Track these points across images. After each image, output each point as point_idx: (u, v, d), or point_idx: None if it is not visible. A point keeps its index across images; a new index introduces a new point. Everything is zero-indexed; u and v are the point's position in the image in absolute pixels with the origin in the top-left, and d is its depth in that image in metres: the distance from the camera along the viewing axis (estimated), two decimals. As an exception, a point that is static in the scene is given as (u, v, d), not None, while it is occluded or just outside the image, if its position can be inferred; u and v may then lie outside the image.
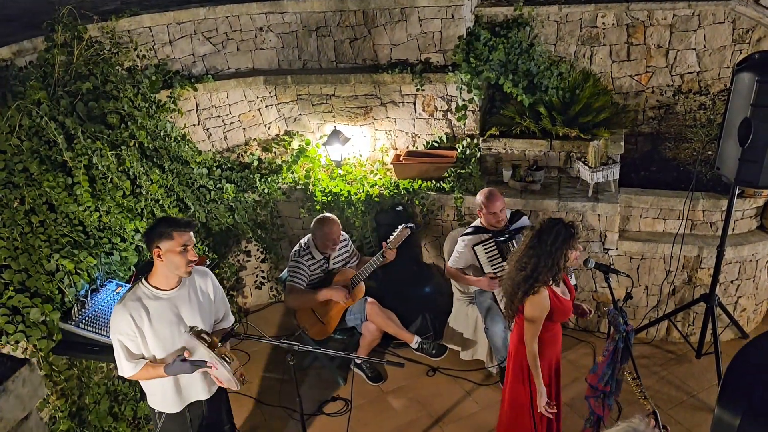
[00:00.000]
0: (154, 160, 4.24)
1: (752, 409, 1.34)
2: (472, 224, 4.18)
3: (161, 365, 2.71)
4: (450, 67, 4.64)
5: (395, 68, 4.73)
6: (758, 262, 4.41)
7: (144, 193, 4.06)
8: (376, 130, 5.04)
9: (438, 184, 4.66)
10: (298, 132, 5.21)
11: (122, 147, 3.95)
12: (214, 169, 4.71)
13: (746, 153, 3.50)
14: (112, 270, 3.88)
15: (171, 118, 4.62)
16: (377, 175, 4.91)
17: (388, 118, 4.96)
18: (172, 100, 4.67)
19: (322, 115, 5.09)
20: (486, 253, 4.07)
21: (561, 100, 4.60)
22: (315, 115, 5.11)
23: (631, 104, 4.97)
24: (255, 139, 5.19)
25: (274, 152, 5.19)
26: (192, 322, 2.78)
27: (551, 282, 3.00)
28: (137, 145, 4.08)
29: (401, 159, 4.82)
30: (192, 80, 4.82)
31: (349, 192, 4.67)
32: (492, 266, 4.07)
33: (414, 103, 4.84)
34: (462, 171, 4.60)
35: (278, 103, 5.14)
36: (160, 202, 4.16)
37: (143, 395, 3.32)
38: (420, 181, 4.69)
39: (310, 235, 4.22)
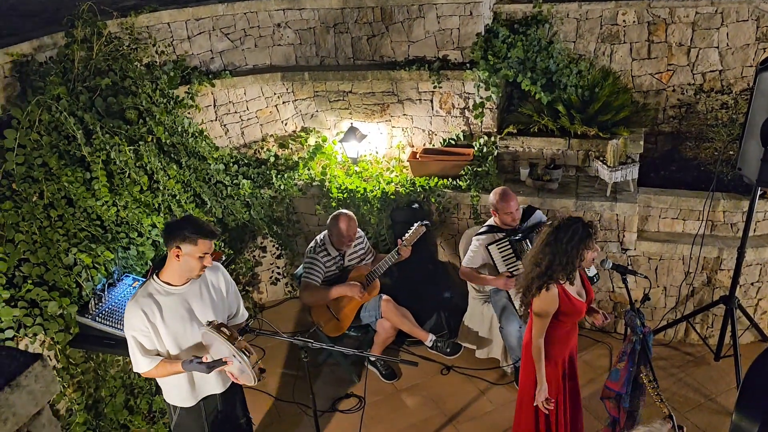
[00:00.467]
0: (172, 155, 4.26)
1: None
2: (486, 223, 4.16)
3: (178, 362, 2.72)
4: (468, 65, 4.61)
5: (412, 65, 4.71)
6: (780, 265, 4.33)
7: (161, 188, 4.09)
8: (393, 127, 5.02)
9: (454, 182, 4.63)
10: (314, 129, 5.21)
11: (140, 142, 3.98)
12: (231, 165, 4.73)
13: (769, 153, 3.44)
14: (129, 264, 3.92)
15: (189, 114, 4.64)
16: (393, 172, 4.90)
17: (404, 115, 4.93)
18: (190, 96, 4.69)
19: (339, 112, 5.09)
20: (500, 252, 4.05)
21: (580, 99, 4.55)
22: (332, 111, 5.10)
23: (652, 103, 4.90)
24: (272, 135, 5.20)
25: (291, 149, 5.20)
26: (204, 317, 2.79)
27: (565, 280, 2.96)
28: (155, 140, 4.10)
29: (417, 156, 4.80)
30: (210, 76, 4.83)
31: (364, 189, 4.66)
32: (506, 265, 4.04)
33: (431, 101, 4.81)
34: (479, 169, 4.57)
35: (295, 100, 5.14)
36: (177, 198, 4.18)
37: (158, 389, 3.35)
38: (436, 179, 4.66)
39: (326, 231, 4.22)
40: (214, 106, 4.93)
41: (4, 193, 3.51)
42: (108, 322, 3.48)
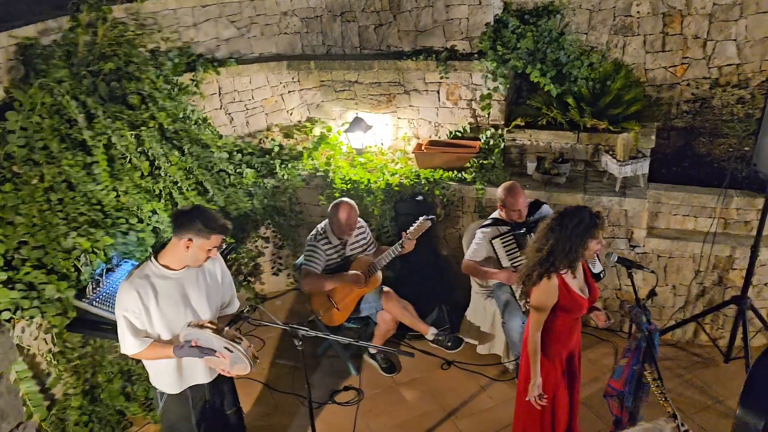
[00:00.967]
0: (174, 142, 4.23)
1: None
2: (491, 216, 4.07)
3: (170, 346, 2.68)
4: (476, 55, 4.53)
5: (420, 55, 4.63)
6: (795, 265, 4.20)
7: (163, 174, 4.06)
8: (399, 118, 4.95)
9: (459, 175, 4.56)
10: (320, 119, 5.16)
11: (142, 128, 3.95)
12: (235, 153, 4.69)
13: (785, 148, 3.32)
14: (129, 250, 3.89)
15: (193, 101, 4.61)
16: (398, 164, 4.83)
17: (411, 106, 4.86)
18: (195, 83, 4.66)
19: (345, 102, 5.03)
20: (504, 246, 3.96)
21: (590, 91, 4.45)
22: (337, 101, 5.05)
23: (665, 97, 4.78)
24: (277, 125, 5.16)
25: (296, 138, 5.16)
26: (199, 303, 2.74)
27: (566, 270, 2.86)
28: (157, 126, 4.07)
29: (423, 148, 4.73)
30: (215, 64, 4.80)
31: (368, 180, 4.61)
32: (510, 259, 3.96)
33: (438, 92, 4.74)
34: (485, 162, 4.49)
35: (301, 89, 5.09)
36: (179, 185, 4.16)
37: (153, 375, 3.32)
38: (441, 172, 4.59)
39: (327, 220, 4.17)
40: (219, 95, 4.90)
41: (4, 176, 3.50)
42: (105, 307, 3.46)
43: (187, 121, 4.33)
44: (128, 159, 3.87)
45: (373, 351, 4.36)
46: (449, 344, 4.23)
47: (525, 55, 4.39)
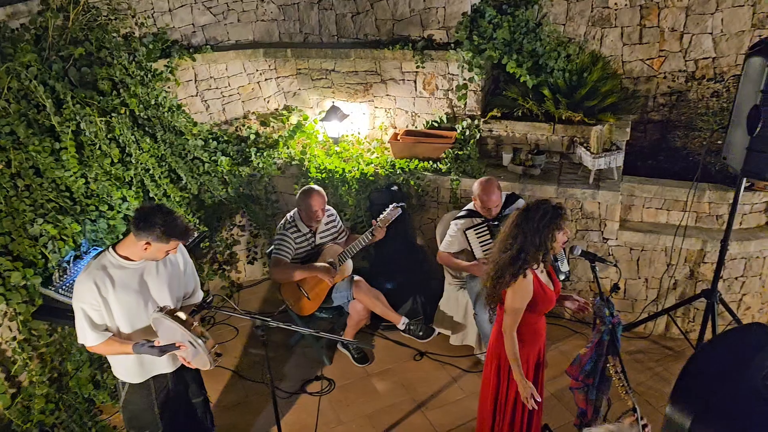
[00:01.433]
0: (146, 129, 4.19)
1: (706, 412, 1.23)
2: (466, 207, 4.07)
3: (129, 343, 2.65)
4: (452, 45, 4.49)
5: (396, 44, 4.60)
6: (766, 260, 4.22)
7: (134, 161, 4.02)
8: (376, 107, 4.92)
9: (435, 165, 4.54)
10: (297, 107, 5.12)
11: (113, 114, 3.90)
12: (210, 141, 4.65)
13: (754, 142, 3.31)
14: (99, 238, 3.86)
15: (168, 88, 4.56)
16: (374, 153, 4.81)
17: (388, 95, 4.83)
18: (170, 69, 4.60)
19: (322, 91, 4.99)
20: (478, 237, 3.96)
21: (567, 83, 4.43)
22: (314, 90, 5.01)
23: (642, 90, 4.77)
24: (254, 112, 5.11)
25: (273, 127, 5.12)
26: (159, 293, 2.72)
27: (538, 265, 2.86)
28: (128, 113, 4.02)
29: (399, 138, 4.71)
30: (191, 51, 4.75)
31: (343, 170, 4.58)
32: (483, 251, 3.96)
33: (415, 81, 4.71)
34: (460, 152, 4.47)
35: (278, 77, 5.04)
36: (151, 172, 4.12)
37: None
38: (417, 161, 4.57)
39: (296, 208, 4.15)
40: (195, 81, 4.84)
41: (-31, 161, 3.46)
42: (71, 295, 3.42)
43: (160, 107, 4.28)
44: (98, 145, 3.82)
45: (345, 341, 4.35)
46: (421, 334, 4.24)
47: (501, 45, 4.36)
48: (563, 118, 4.39)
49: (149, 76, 4.34)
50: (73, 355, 3.71)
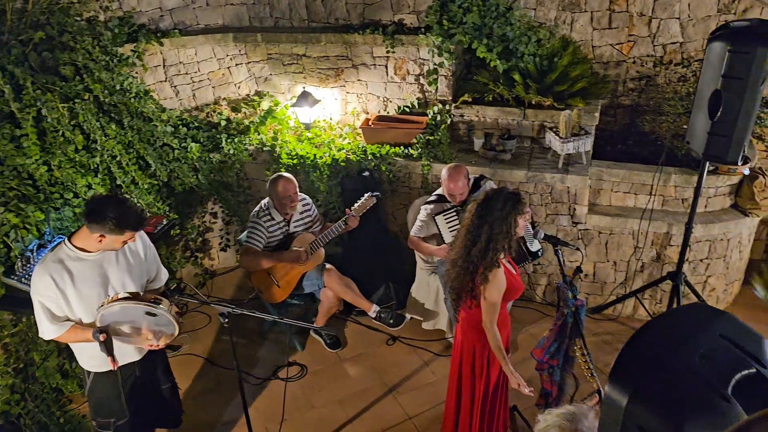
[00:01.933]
0: (113, 115, 4.12)
1: (642, 390, 1.24)
2: (435, 192, 4.07)
3: (89, 330, 2.61)
4: (423, 30, 4.47)
5: (367, 29, 4.56)
6: (729, 242, 4.30)
7: (99, 148, 3.96)
8: (348, 93, 4.89)
9: (406, 151, 4.54)
10: (268, 93, 5.07)
11: (76, 100, 3.83)
12: (180, 127, 4.59)
13: (715, 126, 3.36)
14: (65, 226, 3.80)
15: (135, 73, 4.48)
16: (346, 139, 4.79)
17: (359, 80, 4.81)
18: (136, 54, 4.52)
19: (293, 76, 4.94)
20: (447, 222, 3.97)
21: (538, 68, 4.44)
22: (286, 75, 4.96)
23: (612, 74, 4.80)
24: (225, 98, 5.05)
25: (244, 113, 5.06)
26: (119, 282, 2.68)
27: (506, 253, 2.85)
28: (92, 99, 3.95)
29: (370, 123, 4.69)
30: (158, 35, 4.66)
31: (315, 156, 4.56)
32: (453, 236, 3.97)
33: (386, 66, 4.68)
34: (431, 138, 4.47)
35: (248, 62, 4.98)
36: (118, 159, 4.06)
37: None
38: (388, 147, 4.56)
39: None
40: (164, 67, 4.76)
41: (-74, 149, 3.37)
42: (35, 284, 3.38)
43: (127, 93, 4.20)
44: (61, 132, 3.75)
45: (317, 329, 4.36)
46: (391, 321, 4.27)
47: (471, 29, 4.35)
48: (533, 103, 4.41)
49: (114, 61, 4.26)
50: (39, 345, 3.66)
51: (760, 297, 4.61)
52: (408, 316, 4.40)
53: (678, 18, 4.48)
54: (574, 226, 4.37)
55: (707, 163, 3.71)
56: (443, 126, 4.48)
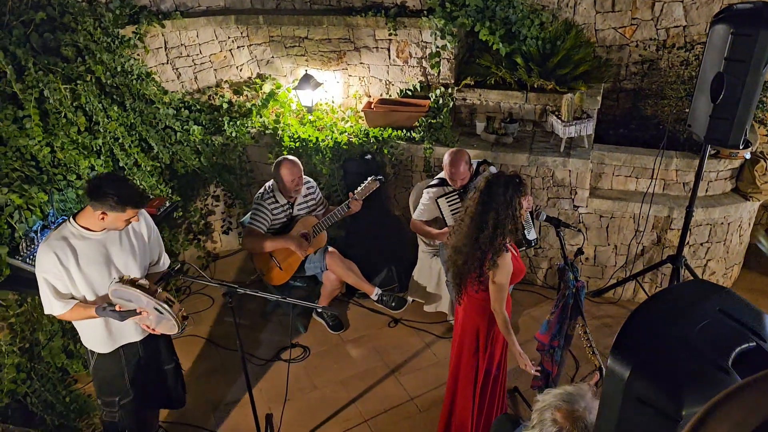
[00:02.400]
0: (114, 97, 4.12)
1: (643, 362, 1.27)
2: (437, 176, 4.08)
3: (92, 306, 2.64)
4: (425, 12, 4.45)
5: (369, 11, 4.54)
6: (730, 225, 4.32)
7: (102, 130, 3.96)
8: (350, 75, 4.88)
9: (408, 134, 4.54)
10: (270, 75, 5.05)
11: (78, 81, 3.83)
12: (183, 110, 4.59)
13: (717, 110, 3.35)
14: (68, 207, 3.82)
15: (137, 55, 4.47)
16: (349, 122, 4.79)
17: (361, 63, 4.79)
18: (138, 36, 4.50)
19: (295, 59, 4.93)
20: (449, 205, 3.99)
21: (540, 51, 4.42)
22: (288, 58, 4.94)
23: (614, 58, 4.78)
24: (226, 81, 5.04)
25: (246, 95, 5.05)
26: (123, 263, 2.70)
27: (512, 237, 2.85)
28: (94, 80, 3.95)
29: (372, 106, 4.69)
30: (160, 17, 4.64)
31: (317, 139, 4.56)
32: (455, 219, 3.99)
33: (388, 49, 4.66)
34: (433, 121, 4.47)
35: (250, 45, 4.97)
36: (120, 141, 4.07)
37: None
38: (390, 130, 4.56)
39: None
40: (165, 49, 4.74)
41: (-70, 130, 3.38)
42: (40, 265, 3.40)
43: (129, 75, 4.20)
44: (63, 113, 3.76)
45: (320, 309, 4.39)
46: (393, 305, 4.29)
47: (474, 12, 4.33)
48: (536, 86, 4.40)
49: (116, 42, 4.25)
50: (45, 325, 3.70)
51: (764, 251, 4.64)
52: (410, 298, 4.42)
53: (681, 1, 4.46)
54: (575, 209, 4.38)
55: (709, 146, 3.72)
56: (445, 109, 4.48)
